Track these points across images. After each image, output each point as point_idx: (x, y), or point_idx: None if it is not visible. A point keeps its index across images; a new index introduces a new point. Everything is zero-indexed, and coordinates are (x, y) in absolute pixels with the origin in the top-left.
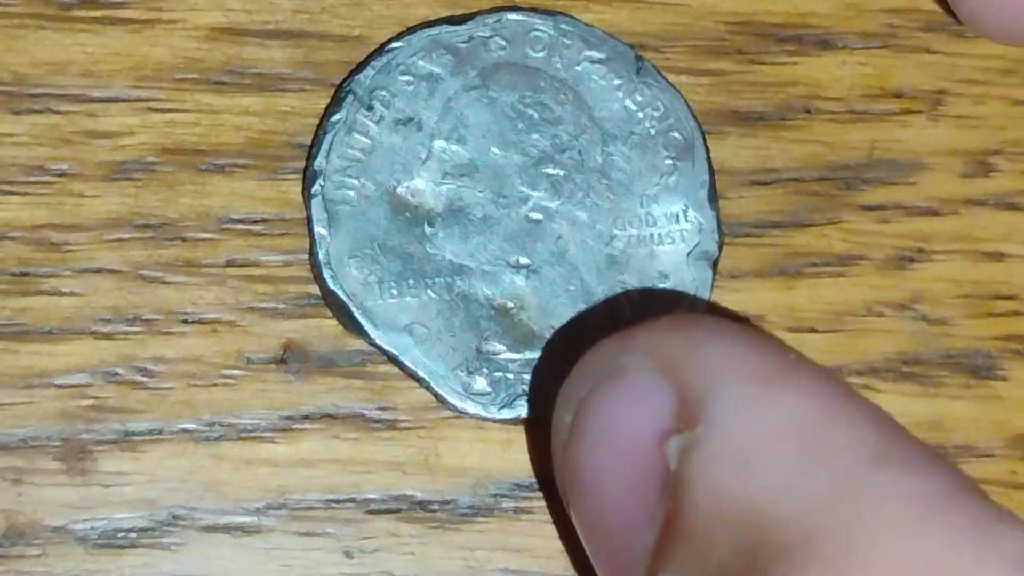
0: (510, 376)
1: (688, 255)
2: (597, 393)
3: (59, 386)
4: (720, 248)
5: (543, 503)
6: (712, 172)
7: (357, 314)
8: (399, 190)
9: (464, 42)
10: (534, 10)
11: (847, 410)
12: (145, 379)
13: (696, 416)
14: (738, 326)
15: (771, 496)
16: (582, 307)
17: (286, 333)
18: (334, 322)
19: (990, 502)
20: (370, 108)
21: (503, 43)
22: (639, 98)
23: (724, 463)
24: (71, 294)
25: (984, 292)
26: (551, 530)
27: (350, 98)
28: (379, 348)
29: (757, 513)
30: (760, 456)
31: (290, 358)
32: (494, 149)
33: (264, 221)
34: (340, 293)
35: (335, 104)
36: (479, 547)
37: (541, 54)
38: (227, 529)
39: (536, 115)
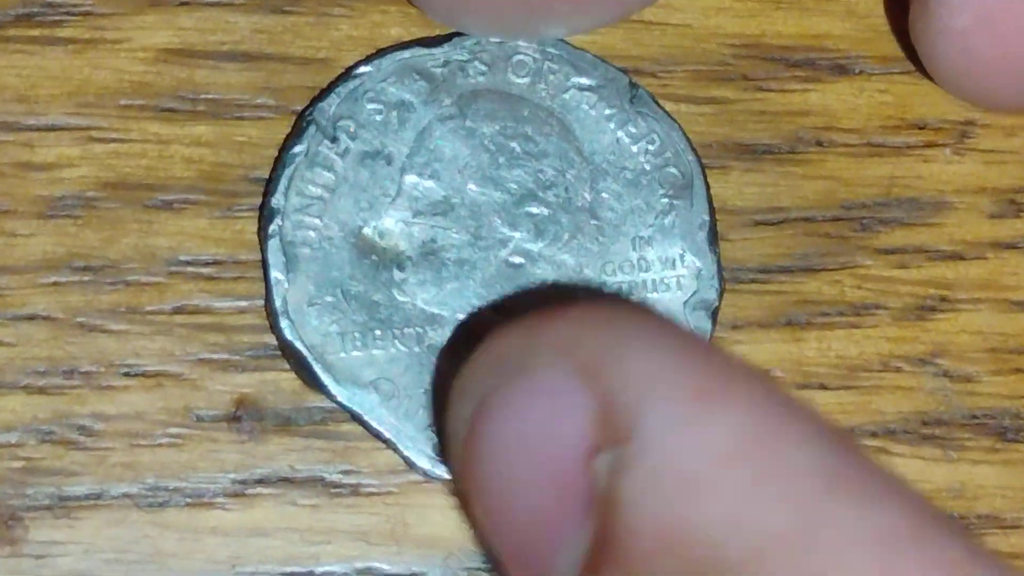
0: None
1: (685, 304)
2: (504, 392)
3: None
4: (720, 296)
5: None
6: (712, 212)
7: (317, 368)
8: (365, 231)
9: (439, 67)
10: None
11: (794, 426)
12: (83, 438)
13: (625, 430)
14: (662, 323)
15: (723, 529)
16: None
17: (239, 388)
18: (292, 376)
19: (957, 536)
20: (334, 139)
21: (483, 68)
22: (633, 130)
23: (665, 488)
24: (2, 343)
25: (1013, 345)
26: None
27: (312, 128)
28: (341, 406)
29: (709, 547)
30: (706, 482)
31: (243, 415)
32: (471, 186)
33: (216, 263)
34: (298, 345)
35: (296, 135)
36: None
37: (525, 80)
38: None
39: (518, 148)
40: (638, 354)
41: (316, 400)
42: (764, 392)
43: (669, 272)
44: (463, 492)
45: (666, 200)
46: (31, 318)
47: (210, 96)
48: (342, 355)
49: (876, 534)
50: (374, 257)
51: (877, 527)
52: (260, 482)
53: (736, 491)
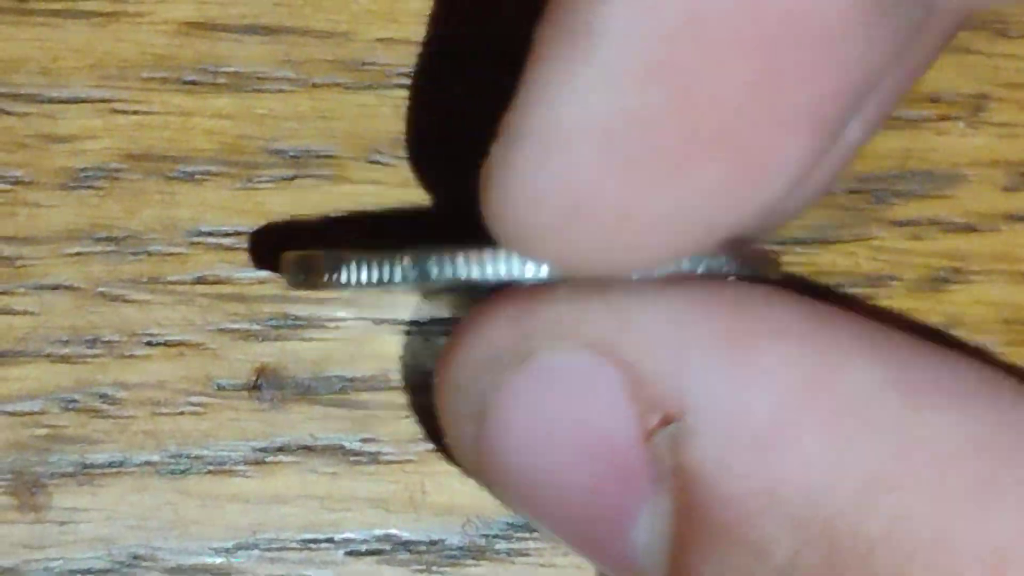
0: None
1: None
2: (513, 382)
3: (11, 413)
4: None
5: (540, 544)
6: None
7: None
8: None
9: None
10: None
11: (848, 343)
12: (105, 406)
13: (672, 399)
14: (657, 281)
15: (822, 475)
16: None
17: (260, 357)
18: (312, 345)
19: None
20: None
21: None
22: None
23: (745, 449)
24: (25, 313)
25: None
26: (548, 574)
27: None
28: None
29: (812, 496)
30: (785, 430)
31: (264, 384)
32: None
33: (237, 234)
34: None
35: None
36: None
37: None
38: (193, 571)
39: None
40: (653, 317)
41: (335, 369)
42: (800, 315)
43: None
44: (488, 486)
45: None
46: (54, 288)
47: (231, 69)
48: None
49: (973, 444)
50: None
51: (973, 437)
52: (280, 450)
53: (815, 437)
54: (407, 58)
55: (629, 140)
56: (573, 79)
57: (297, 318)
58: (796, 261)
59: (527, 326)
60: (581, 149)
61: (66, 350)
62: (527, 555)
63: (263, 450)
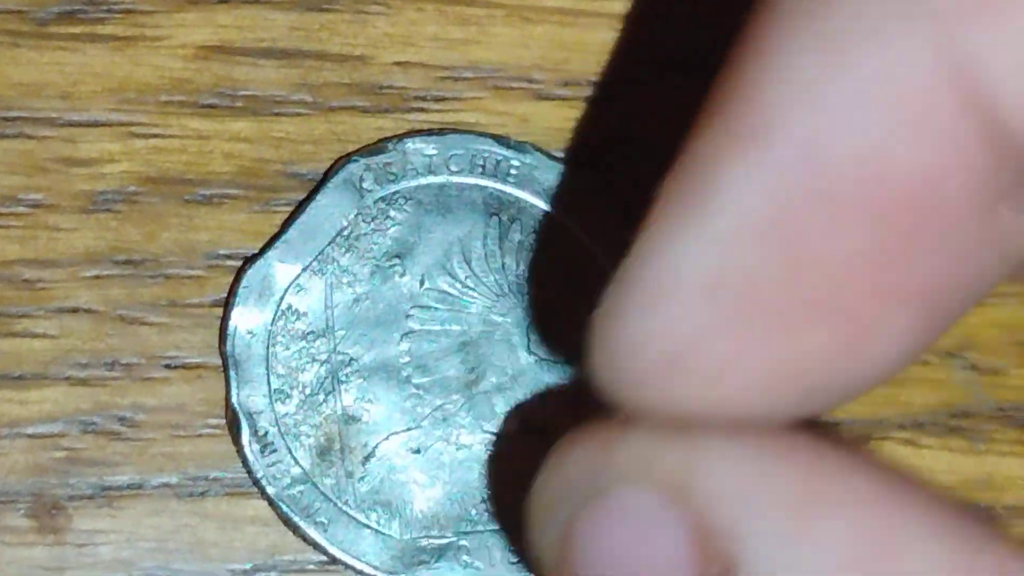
0: None
1: None
2: (587, 516)
3: (30, 436)
4: None
5: None
6: None
7: None
8: None
9: None
10: None
11: (910, 529)
12: (124, 429)
13: (728, 554)
14: (736, 429)
15: None
16: None
17: None
18: None
19: None
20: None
21: None
22: None
23: None
24: (44, 336)
25: None
26: None
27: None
28: None
29: None
30: None
31: None
32: None
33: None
34: None
35: None
36: None
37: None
38: None
39: None
40: (722, 467)
41: None
42: (872, 485)
43: None
44: None
45: None
46: (73, 311)
47: (248, 92)
48: None
49: None
50: None
51: None
52: None
53: None
54: (424, 82)
55: (738, 297)
56: (689, 233)
57: None
58: None
59: (606, 461)
60: (689, 301)
61: (85, 373)
62: None
63: None
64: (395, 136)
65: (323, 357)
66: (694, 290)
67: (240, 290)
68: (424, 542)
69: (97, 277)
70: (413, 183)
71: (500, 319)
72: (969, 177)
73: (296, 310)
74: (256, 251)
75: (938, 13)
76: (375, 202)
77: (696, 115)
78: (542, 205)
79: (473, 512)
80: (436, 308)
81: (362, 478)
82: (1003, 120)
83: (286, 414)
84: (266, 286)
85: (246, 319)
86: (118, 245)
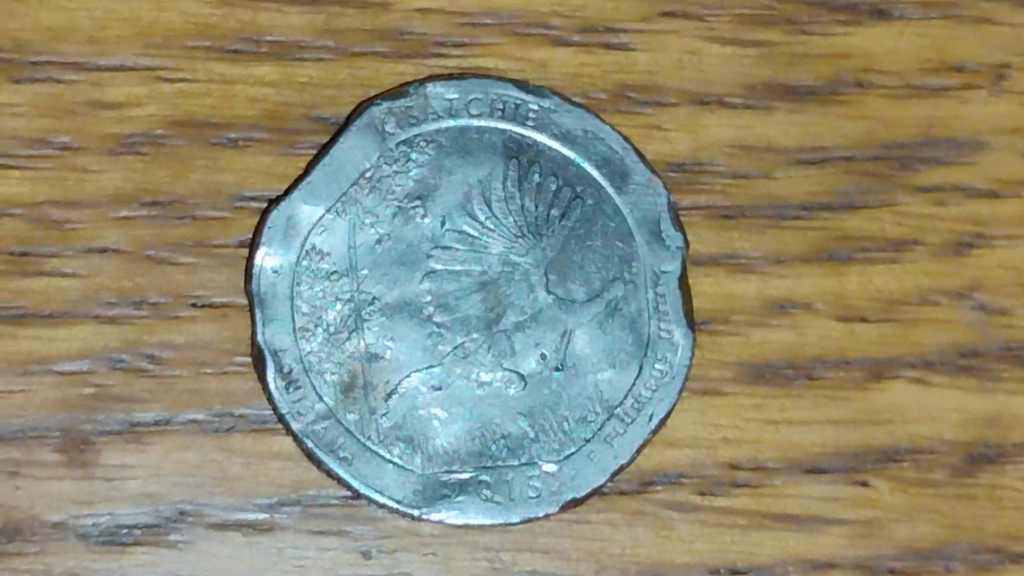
0: None
1: None
2: None
3: (60, 373)
4: None
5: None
6: None
7: None
8: None
9: None
10: None
11: None
12: (151, 366)
13: None
14: None
15: None
16: None
17: None
18: None
19: None
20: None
21: None
22: None
23: None
24: (73, 275)
25: None
26: (581, 530)
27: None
28: None
29: None
30: None
31: None
32: None
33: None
34: None
35: None
36: (505, 548)
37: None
38: (237, 527)
39: None
40: None
41: None
42: None
43: None
44: None
45: None
46: (102, 251)
47: (273, 38)
48: None
49: None
50: None
51: None
52: None
53: None
54: (444, 27)
55: None
56: None
57: None
58: (823, 226)
59: None
60: None
61: (113, 311)
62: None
63: None
64: (416, 80)
65: (346, 296)
66: None
67: (265, 231)
68: (445, 477)
69: (125, 218)
70: (434, 126)
71: (519, 259)
72: None
73: (320, 250)
74: (280, 193)
75: None
76: (397, 145)
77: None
78: (560, 148)
79: (493, 448)
80: (457, 249)
81: (384, 414)
82: None
83: (310, 351)
84: (290, 227)
85: (271, 259)
86: (145, 187)
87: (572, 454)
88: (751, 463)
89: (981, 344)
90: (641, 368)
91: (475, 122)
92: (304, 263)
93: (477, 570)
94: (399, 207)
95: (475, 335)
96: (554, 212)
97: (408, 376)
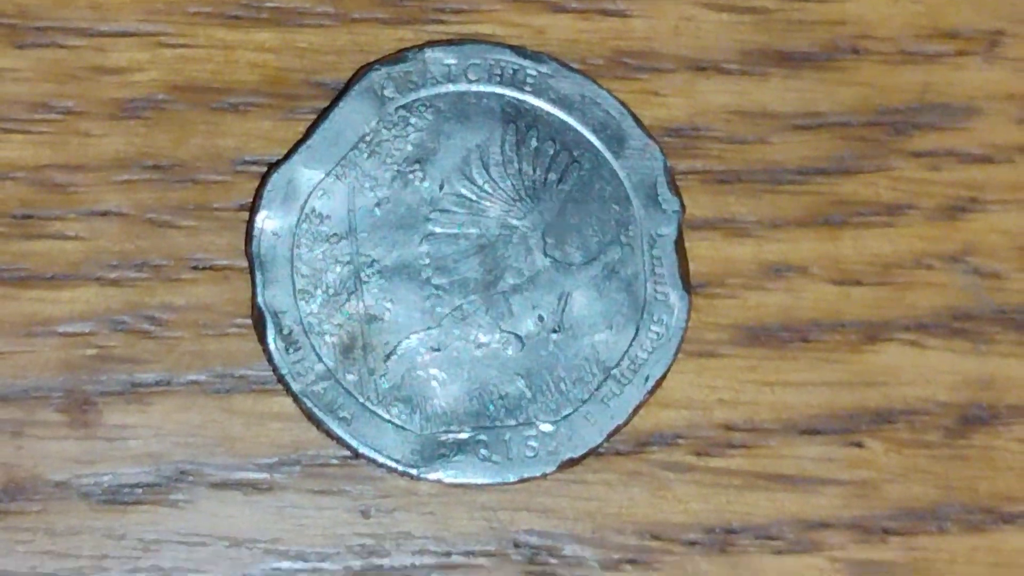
0: None
1: None
2: None
3: (62, 334)
4: None
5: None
6: None
7: None
8: None
9: None
10: None
11: None
12: (153, 328)
13: None
14: None
15: None
16: None
17: None
18: None
19: None
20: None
21: None
22: None
23: None
24: (76, 238)
25: None
26: (578, 490)
27: None
28: None
29: None
30: None
31: None
32: None
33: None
34: None
35: None
36: (503, 507)
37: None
38: (238, 486)
39: None
40: None
41: None
42: None
43: None
44: None
45: None
46: (104, 214)
47: (273, 4)
48: None
49: None
50: None
51: None
52: None
53: None
54: None
55: None
56: None
57: None
58: (818, 190)
59: None
60: None
61: (115, 274)
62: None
63: None
64: (415, 46)
65: (346, 259)
66: None
67: (265, 194)
68: (443, 437)
69: (127, 181)
70: (433, 91)
71: (517, 222)
72: None
73: (320, 213)
74: (281, 157)
75: None
76: (396, 110)
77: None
78: (558, 113)
79: (491, 408)
80: (455, 212)
81: (383, 375)
82: None
83: (310, 313)
84: (291, 190)
85: (271, 222)
86: (147, 151)
87: (569, 415)
88: (746, 424)
89: (974, 307)
90: (637, 330)
91: (473, 87)
92: (304, 226)
93: (475, 529)
94: (398, 171)
95: (473, 297)
96: (551, 176)
97: (407, 337)
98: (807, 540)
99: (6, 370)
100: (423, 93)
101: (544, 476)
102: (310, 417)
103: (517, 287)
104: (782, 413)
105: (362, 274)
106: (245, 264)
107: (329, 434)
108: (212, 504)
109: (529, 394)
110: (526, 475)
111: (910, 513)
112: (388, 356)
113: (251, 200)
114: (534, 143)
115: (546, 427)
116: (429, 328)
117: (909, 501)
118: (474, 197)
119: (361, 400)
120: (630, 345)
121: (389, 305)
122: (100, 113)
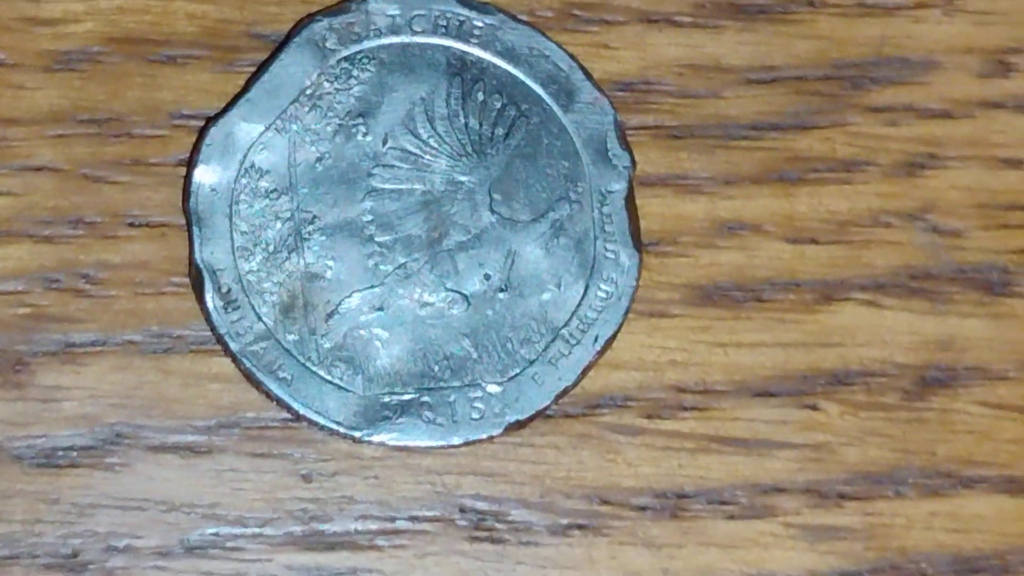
0: None
1: None
2: None
3: None
4: None
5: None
6: None
7: None
8: None
9: None
10: None
11: None
12: (87, 286)
13: None
14: None
15: None
16: None
17: None
18: None
19: None
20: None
21: None
22: None
23: None
24: (8, 194)
25: (1000, 202)
26: (525, 453)
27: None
28: None
29: None
30: None
31: None
32: None
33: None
34: None
35: None
36: (448, 471)
37: None
38: (175, 449)
39: None
40: None
41: None
42: None
43: None
44: None
45: None
46: (37, 169)
47: None
48: None
49: None
50: None
51: None
52: None
53: None
54: None
55: None
56: None
57: None
58: (773, 146)
59: None
60: None
61: (49, 231)
62: (504, 435)
63: None
64: None
65: (286, 215)
66: None
67: (203, 148)
68: (386, 398)
69: (61, 136)
70: (376, 43)
71: (463, 178)
72: None
73: (259, 168)
74: (219, 110)
75: None
76: (338, 62)
77: None
78: (505, 66)
79: (435, 369)
80: (399, 167)
81: (325, 335)
82: None
83: (249, 271)
84: (229, 144)
85: (209, 177)
86: (82, 104)
87: (516, 375)
88: (698, 386)
89: (933, 266)
90: (587, 289)
91: (418, 39)
92: (243, 181)
93: (419, 493)
94: (340, 125)
95: (417, 255)
96: (498, 131)
97: (349, 296)
98: (760, 505)
99: None
100: (366, 45)
101: (490, 439)
102: (249, 378)
103: (463, 244)
104: (735, 374)
105: (303, 231)
106: (182, 221)
107: (269, 395)
108: (148, 467)
109: (475, 354)
110: (472, 438)
111: (866, 477)
112: (329, 315)
113: (189, 155)
114: (480, 97)
115: (492, 388)
116: (372, 286)
117: (865, 465)
118: (418, 152)
119: (302, 361)
120: (579, 304)
121: (331, 263)
122: (34, 65)
